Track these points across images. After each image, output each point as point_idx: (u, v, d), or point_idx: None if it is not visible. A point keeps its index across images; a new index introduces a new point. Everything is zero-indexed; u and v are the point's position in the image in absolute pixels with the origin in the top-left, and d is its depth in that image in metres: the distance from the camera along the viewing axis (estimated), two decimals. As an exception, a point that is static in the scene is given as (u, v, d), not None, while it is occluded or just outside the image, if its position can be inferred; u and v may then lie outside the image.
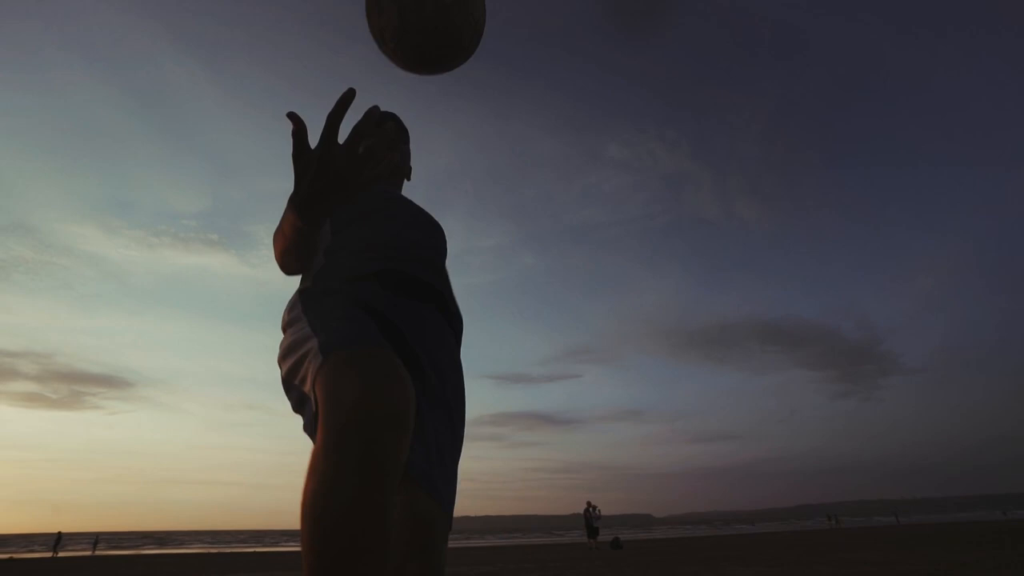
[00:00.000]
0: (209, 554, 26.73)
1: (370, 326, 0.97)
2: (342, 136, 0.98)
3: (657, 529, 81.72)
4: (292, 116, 0.97)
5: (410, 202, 1.35)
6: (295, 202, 0.98)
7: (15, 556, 27.37)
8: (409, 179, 1.49)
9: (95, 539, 41.45)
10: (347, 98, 0.97)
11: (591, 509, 19.76)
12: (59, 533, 30.86)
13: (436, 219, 1.38)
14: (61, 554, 29.93)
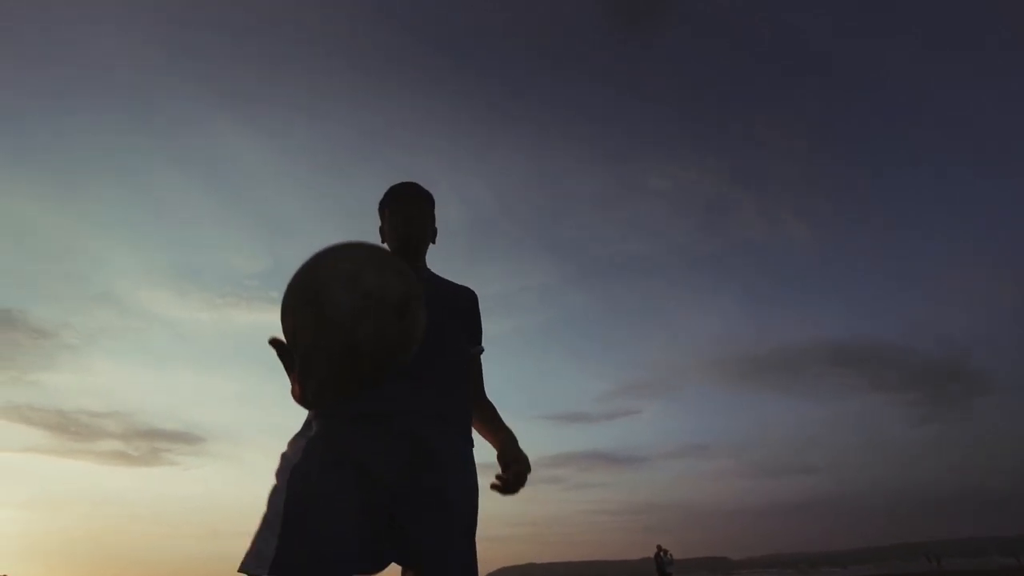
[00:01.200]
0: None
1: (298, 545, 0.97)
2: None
3: (737, 573, 76.29)
4: (273, 343, 0.95)
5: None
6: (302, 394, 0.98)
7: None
8: (434, 243, 1.48)
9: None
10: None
11: (662, 554, 19.04)
12: None
13: (449, 287, 1.41)
14: None
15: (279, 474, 1.09)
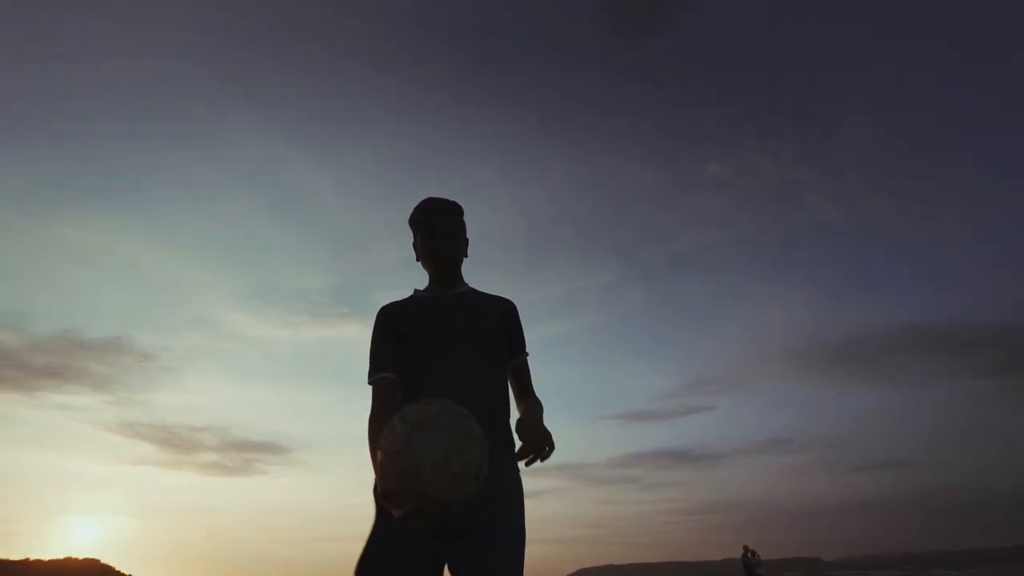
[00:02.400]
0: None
1: None
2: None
3: (832, 574, 71.94)
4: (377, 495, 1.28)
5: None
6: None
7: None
8: (467, 255, 1.51)
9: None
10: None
11: (749, 554, 18.10)
12: None
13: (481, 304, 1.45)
14: None
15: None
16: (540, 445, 1.28)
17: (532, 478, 1.42)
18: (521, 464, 1.31)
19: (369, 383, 1.36)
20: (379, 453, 1.19)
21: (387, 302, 1.45)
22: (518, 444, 1.30)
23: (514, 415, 1.41)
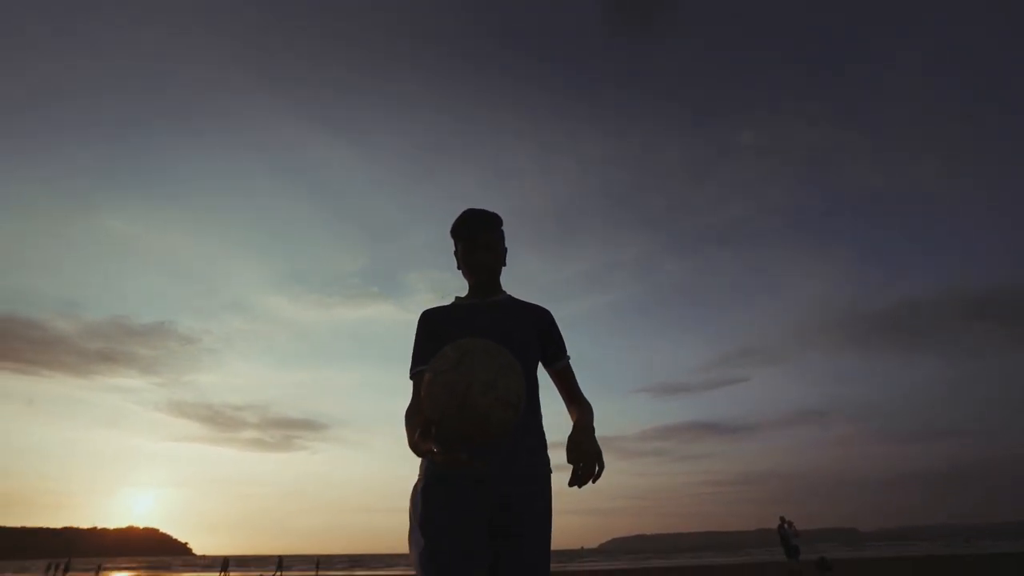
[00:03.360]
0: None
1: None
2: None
3: (869, 547, 71.03)
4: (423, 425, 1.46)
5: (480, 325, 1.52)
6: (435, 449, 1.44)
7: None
8: (505, 264, 1.59)
9: (316, 561, 47.34)
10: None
11: (786, 526, 17.91)
12: (280, 557, 36.06)
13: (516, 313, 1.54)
14: (283, 575, 34.80)
15: (411, 518, 1.44)
16: (592, 469, 1.39)
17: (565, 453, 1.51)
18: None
19: (410, 378, 1.50)
20: (427, 376, 1.34)
21: (429, 307, 1.58)
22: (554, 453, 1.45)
23: (551, 420, 1.52)
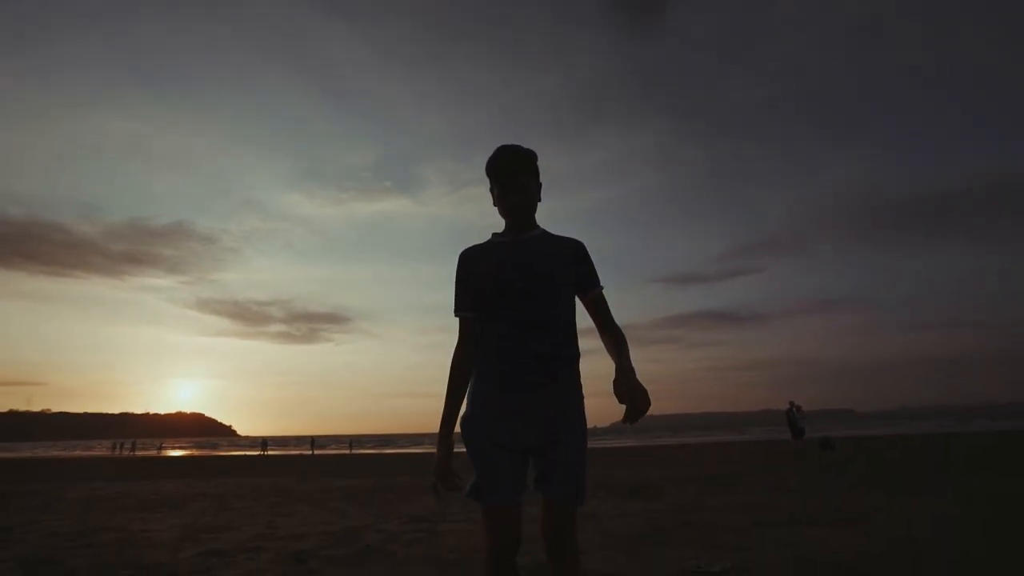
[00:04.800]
0: (429, 453, 31.49)
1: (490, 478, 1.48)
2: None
3: (866, 425, 74.92)
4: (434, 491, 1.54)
5: (506, 256, 1.57)
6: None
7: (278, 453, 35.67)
8: (540, 199, 1.63)
9: (349, 442, 51.84)
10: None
11: (794, 409, 18.62)
12: (312, 437, 39.42)
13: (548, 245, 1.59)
14: (317, 452, 38.32)
15: (461, 426, 1.54)
16: (640, 408, 1.39)
17: (579, 340, 1.60)
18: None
19: (454, 316, 1.60)
20: None
21: (468, 246, 1.65)
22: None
23: (585, 340, 1.61)
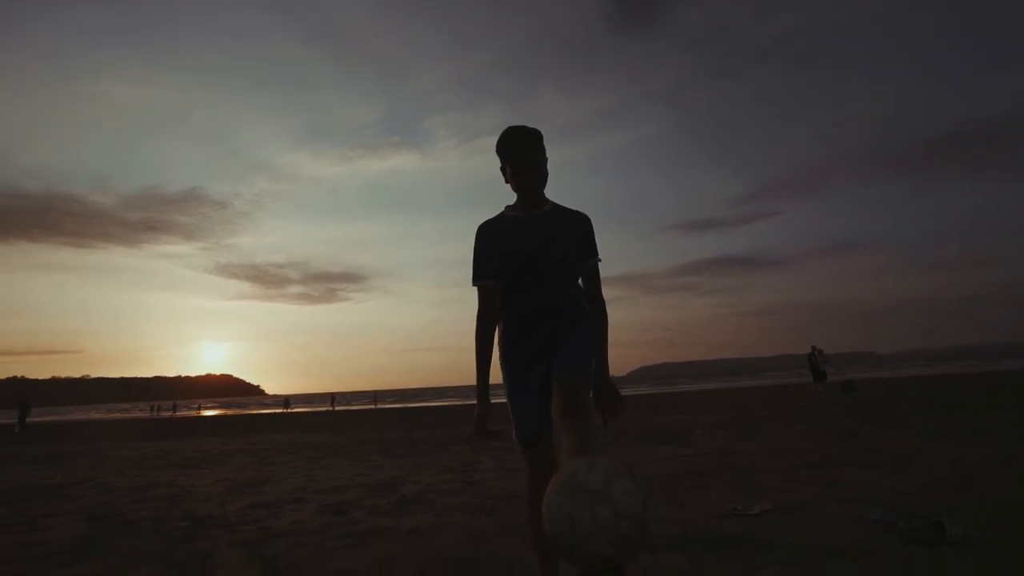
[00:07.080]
0: (454, 406, 32.39)
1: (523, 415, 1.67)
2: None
3: (887, 367, 74.57)
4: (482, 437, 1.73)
5: (525, 230, 1.72)
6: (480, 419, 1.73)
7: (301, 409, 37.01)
8: (547, 175, 1.74)
9: (373, 396, 53.35)
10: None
11: (816, 353, 18.53)
12: (332, 394, 40.78)
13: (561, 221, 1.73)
14: (339, 408, 39.70)
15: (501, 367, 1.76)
16: (618, 411, 1.67)
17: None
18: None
19: (473, 286, 1.77)
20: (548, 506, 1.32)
21: (485, 219, 1.80)
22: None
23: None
